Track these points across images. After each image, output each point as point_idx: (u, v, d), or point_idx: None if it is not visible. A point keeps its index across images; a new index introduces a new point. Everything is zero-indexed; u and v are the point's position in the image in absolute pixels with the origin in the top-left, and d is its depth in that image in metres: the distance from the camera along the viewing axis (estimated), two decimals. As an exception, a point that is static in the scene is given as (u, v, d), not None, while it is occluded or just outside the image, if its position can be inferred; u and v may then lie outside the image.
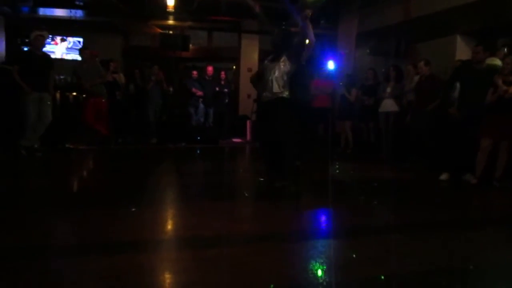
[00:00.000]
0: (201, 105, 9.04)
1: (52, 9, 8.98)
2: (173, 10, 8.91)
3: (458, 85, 5.12)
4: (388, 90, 6.69)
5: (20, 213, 3.05)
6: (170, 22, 9.75)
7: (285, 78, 3.96)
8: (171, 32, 9.60)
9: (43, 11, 9.00)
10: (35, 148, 5.69)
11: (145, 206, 3.37)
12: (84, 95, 6.98)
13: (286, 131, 3.88)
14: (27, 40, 6.33)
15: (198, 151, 8.00)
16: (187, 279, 2.05)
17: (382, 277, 2.09)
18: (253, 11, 8.38)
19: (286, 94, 3.97)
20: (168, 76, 8.61)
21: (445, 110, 5.25)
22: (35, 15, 8.89)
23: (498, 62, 4.94)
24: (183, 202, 3.83)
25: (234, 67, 10.88)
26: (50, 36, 9.33)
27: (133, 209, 3.22)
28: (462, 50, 6.85)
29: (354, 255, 2.40)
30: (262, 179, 4.43)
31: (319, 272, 2.19)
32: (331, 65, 7.99)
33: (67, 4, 8.86)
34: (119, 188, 4.15)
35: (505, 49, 5.86)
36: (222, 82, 9.23)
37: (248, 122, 9.41)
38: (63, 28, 9.64)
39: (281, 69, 3.96)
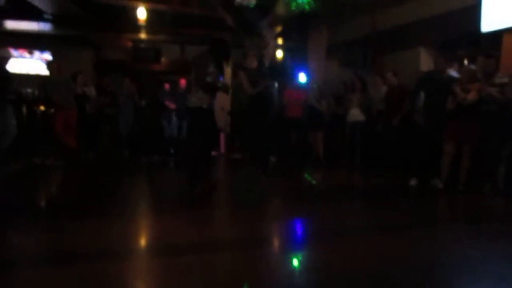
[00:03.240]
0: (174, 118, 9.01)
1: (19, 22, 8.79)
2: (144, 24, 8.92)
3: (422, 94, 5.34)
4: (354, 100, 6.91)
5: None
6: (142, 35, 9.73)
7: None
8: (143, 45, 9.57)
9: (10, 25, 8.80)
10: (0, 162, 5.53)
11: (115, 217, 3.33)
12: (53, 109, 6.83)
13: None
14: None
15: (171, 164, 7.94)
16: (159, 287, 2.04)
17: (354, 276, 2.15)
18: (225, 24, 8.49)
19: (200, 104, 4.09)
20: (140, 89, 8.56)
21: (411, 118, 5.48)
22: (1, 29, 8.68)
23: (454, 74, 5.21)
24: (154, 212, 3.79)
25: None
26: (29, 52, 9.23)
27: (103, 220, 3.17)
28: (426, 61, 7.15)
29: (326, 257, 2.46)
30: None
31: (292, 275, 2.22)
32: (302, 77, 8.17)
33: (35, 17, 8.71)
34: (90, 201, 4.07)
35: (465, 61, 6.20)
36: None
37: (222, 135, 9.42)
38: (31, 42, 9.45)
39: None
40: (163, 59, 10.16)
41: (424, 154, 5.05)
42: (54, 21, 8.86)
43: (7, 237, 2.72)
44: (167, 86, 9.14)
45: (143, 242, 2.92)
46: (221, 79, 4.21)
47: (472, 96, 4.53)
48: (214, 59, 4.08)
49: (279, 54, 10.08)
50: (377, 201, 4.37)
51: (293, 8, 7.82)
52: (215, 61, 4.08)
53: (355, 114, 6.88)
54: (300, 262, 2.48)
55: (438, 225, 3.56)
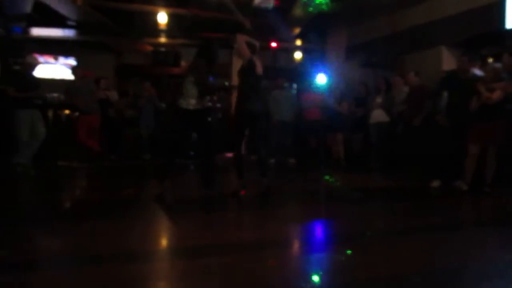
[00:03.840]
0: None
1: (44, 29, 9.07)
2: (165, 28, 9.05)
3: (445, 94, 5.23)
4: (379, 100, 6.80)
5: (14, 228, 3.04)
6: (162, 40, 9.88)
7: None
8: (163, 49, 9.72)
9: (36, 31, 9.09)
10: (28, 165, 5.71)
11: (136, 219, 3.38)
12: (77, 113, 7.03)
13: None
14: (19, 61, 6.43)
15: (192, 166, 8.01)
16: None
17: (376, 279, 2.12)
18: (243, 27, 8.53)
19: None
20: (160, 93, 8.69)
21: (434, 118, 5.37)
22: (28, 36, 8.97)
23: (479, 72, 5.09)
24: (175, 214, 3.83)
25: (226, 83, 10.98)
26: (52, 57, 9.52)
27: (124, 222, 3.24)
28: (448, 61, 7.00)
29: (348, 260, 2.44)
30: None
31: (314, 278, 2.21)
32: (321, 78, 8.12)
33: (59, 24, 8.98)
34: (111, 202, 4.16)
35: (490, 59, 6.04)
36: (215, 98, 9.32)
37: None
38: (56, 48, 9.74)
39: None
40: (182, 63, 10.29)
41: (447, 155, 4.94)
42: (77, 27, 9.11)
43: (31, 238, 2.80)
44: (187, 89, 9.24)
45: (163, 244, 2.96)
46: (211, 79, 4.22)
47: (497, 95, 4.41)
48: (204, 61, 4.11)
49: (298, 56, 10.09)
50: (399, 204, 4.30)
51: (311, 9, 7.79)
52: (205, 63, 4.11)
53: (379, 115, 6.76)
54: (321, 264, 2.46)
55: (465, 228, 3.49)
